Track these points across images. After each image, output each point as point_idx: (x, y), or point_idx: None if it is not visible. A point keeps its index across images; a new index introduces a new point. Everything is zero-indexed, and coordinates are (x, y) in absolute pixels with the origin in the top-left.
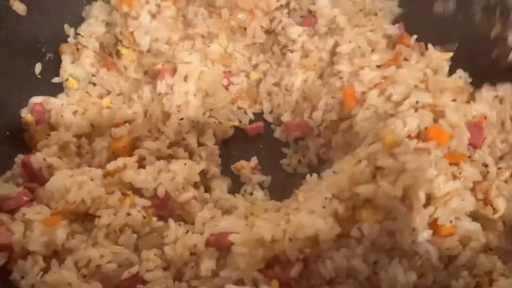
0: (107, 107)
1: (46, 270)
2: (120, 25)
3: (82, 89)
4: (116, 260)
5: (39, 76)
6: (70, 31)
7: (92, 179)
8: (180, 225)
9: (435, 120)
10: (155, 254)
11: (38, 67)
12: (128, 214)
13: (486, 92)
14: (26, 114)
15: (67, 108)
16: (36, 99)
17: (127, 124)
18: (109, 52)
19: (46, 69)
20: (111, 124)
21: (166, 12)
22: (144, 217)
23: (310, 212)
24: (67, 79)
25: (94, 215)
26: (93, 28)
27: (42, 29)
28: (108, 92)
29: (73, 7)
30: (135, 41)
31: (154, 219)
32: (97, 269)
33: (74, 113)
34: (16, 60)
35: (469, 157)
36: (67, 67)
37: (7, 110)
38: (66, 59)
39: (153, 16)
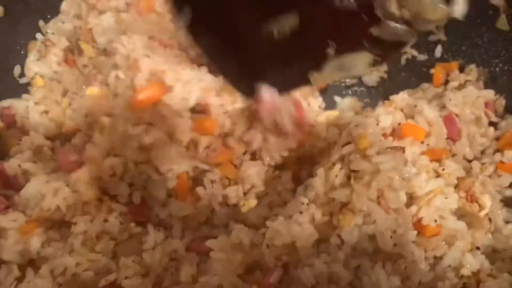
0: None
1: (21, 279)
2: (83, 19)
3: (46, 87)
4: (93, 268)
5: (18, 79)
6: (44, 27)
7: (67, 185)
8: (159, 230)
9: (411, 117)
10: (133, 261)
11: (17, 69)
12: (105, 220)
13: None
14: None
15: (33, 109)
16: (4, 103)
17: None
18: (71, 48)
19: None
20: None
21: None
22: (122, 223)
23: (287, 218)
24: (32, 78)
25: (70, 222)
26: (62, 24)
27: (20, 30)
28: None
29: (52, 6)
30: (93, 38)
31: (132, 225)
32: (73, 278)
33: (41, 114)
34: None
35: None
36: (31, 65)
37: None
38: (31, 57)
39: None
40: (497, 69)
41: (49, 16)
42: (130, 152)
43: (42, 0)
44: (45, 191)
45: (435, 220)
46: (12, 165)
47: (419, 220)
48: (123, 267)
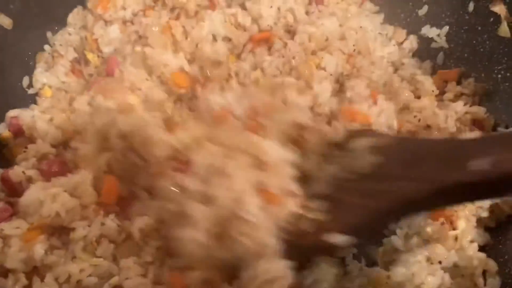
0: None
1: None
2: (89, 29)
3: (53, 97)
4: (96, 273)
5: (27, 89)
6: (51, 39)
7: (65, 190)
8: None
9: None
10: (134, 263)
11: (25, 81)
12: (103, 224)
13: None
14: (3, 130)
15: (40, 118)
16: (12, 113)
17: None
18: (78, 59)
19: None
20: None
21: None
22: (119, 225)
23: None
24: (40, 88)
25: (69, 227)
26: (69, 36)
27: (29, 42)
28: None
29: (59, 18)
30: (98, 47)
31: (128, 223)
32: (78, 285)
33: (48, 122)
34: (3, 75)
35: None
36: (39, 76)
37: None
38: (39, 68)
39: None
40: (499, 76)
41: (56, 28)
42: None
43: (49, 12)
44: (43, 197)
45: None
46: (16, 172)
47: None
48: (124, 269)
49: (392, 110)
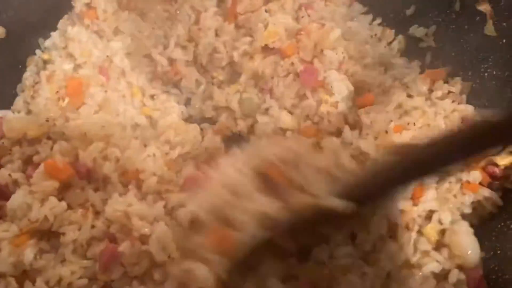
0: None
1: None
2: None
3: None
4: (87, 274)
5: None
6: (42, 44)
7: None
8: None
9: None
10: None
11: (19, 88)
12: (93, 226)
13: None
14: None
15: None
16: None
17: None
18: None
19: None
20: None
21: None
22: (109, 227)
23: None
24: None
25: (58, 232)
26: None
27: (22, 49)
28: None
29: (52, 26)
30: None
31: None
32: (68, 287)
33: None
34: None
35: None
36: (27, 79)
37: None
38: (28, 72)
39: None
40: (486, 74)
41: (51, 34)
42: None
43: (42, 20)
44: (30, 201)
45: None
46: (2, 175)
47: None
48: None
49: None
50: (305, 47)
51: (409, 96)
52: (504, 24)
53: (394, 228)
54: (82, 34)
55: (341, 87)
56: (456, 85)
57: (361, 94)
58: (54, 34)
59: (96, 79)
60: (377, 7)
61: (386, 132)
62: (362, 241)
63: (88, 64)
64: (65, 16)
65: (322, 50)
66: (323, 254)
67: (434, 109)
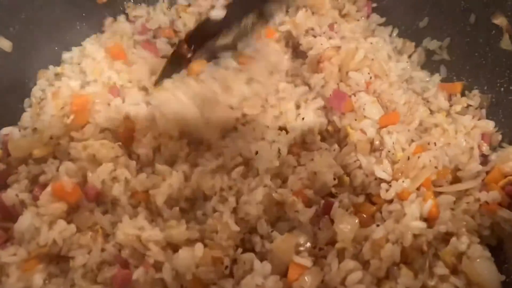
0: None
1: None
2: None
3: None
4: None
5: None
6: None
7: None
8: None
9: None
10: None
11: (26, 103)
12: (103, 250)
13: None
14: None
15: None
16: (4, 131)
17: None
18: None
19: None
20: None
21: None
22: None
23: None
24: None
25: (67, 256)
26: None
27: (29, 64)
28: None
29: (59, 39)
30: None
31: None
32: None
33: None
34: (4, 96)
35: None
36: (37, 92)
37: None
38: (38, 86)
39: None
40: (502, 89)
41: (56, 48)
42: None
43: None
44: (39, 223)
45: None
46: (10, 196)
47: None
48: None
49: None
50: (330, 74)
51: (431, 111)
52: None
53: (408, 253)
54: (98, 53)
55: (372, 110)
56: (475, 98)
57: (386, 112)
58: (74, 49)
59: (104, 97)
60: (393, 18)
61: (408, 158)
62: (375, 268)
63: (99, 82)
64: (93, 36)
65: (347, 73)
66: None
67: (454, 126)
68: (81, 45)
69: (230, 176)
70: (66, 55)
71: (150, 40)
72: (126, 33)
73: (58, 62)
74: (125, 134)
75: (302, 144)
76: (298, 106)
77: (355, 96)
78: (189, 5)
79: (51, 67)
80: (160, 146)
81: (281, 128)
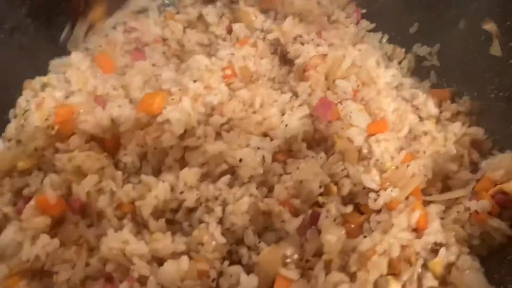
0: None
1: None
2: None
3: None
4: None
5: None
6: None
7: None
8: None
9: None
10: None
11: (12, 113)
12: (87, 264)
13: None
14: None
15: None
16: None
17: None
18: None
19: None
20: None
21: None
22: (105, 264)
23: None
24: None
25: (51, 271)
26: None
27: (14, 73)
28: None
29: (46, 49)
30: None
31: None
32: None
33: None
34: None
35: None
36: (22, 103)
37: None
38: (23, 96)
39: None
40: (492, 95)
41: (43, 57)
42: None
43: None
44: (21, 238)
45: None
46: None
47: None
48: None
49: None
50: (316, 82)
51: (420, 118)
52: (511, 44)
53: (396, 265)
54: (83, 62)
55: (359, 118)
56: (465, 104)
57: (374, 120)
58: (61, 59)
59: (89, 107)
60: (382, 24)
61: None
62: (362, 280)
63: (83, 91)
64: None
65: (334, 81)
66: None
67: (444, 133)
68: (68, 54)
69: (216, 186)
70: (52, 65)
71: (139, 48)
72: (114, 41)
73: (45, 71)
74: (111, 141)
75: (288, 152)
76: (283, 113)
77: (341, 104)
78: (177, 13)
79: (37, 77)
80: (147, 154)
81: (265, 135)
